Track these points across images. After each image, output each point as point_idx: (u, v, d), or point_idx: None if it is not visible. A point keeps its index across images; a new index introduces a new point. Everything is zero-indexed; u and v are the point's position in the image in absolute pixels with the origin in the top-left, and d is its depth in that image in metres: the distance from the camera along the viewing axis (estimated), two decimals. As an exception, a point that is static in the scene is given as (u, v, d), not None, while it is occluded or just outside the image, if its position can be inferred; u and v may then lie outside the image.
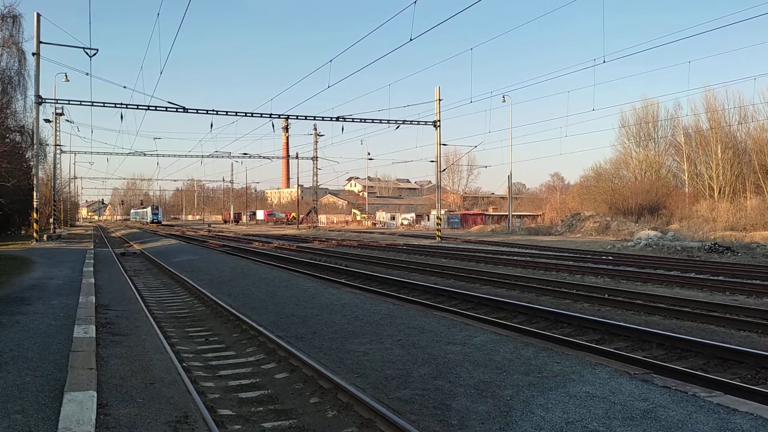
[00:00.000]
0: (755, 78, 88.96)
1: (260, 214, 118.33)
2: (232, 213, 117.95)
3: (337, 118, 39.10)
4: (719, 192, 53.05)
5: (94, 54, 31.17)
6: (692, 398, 5.32)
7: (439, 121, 40.21)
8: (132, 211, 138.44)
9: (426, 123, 40.86)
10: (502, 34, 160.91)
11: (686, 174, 58.80)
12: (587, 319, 10.13)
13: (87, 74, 33.76)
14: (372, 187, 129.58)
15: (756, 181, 50.05)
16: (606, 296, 13.10)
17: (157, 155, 57.28)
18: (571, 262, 21.85)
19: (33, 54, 31.35)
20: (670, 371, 6.93)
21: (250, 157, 61.95)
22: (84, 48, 31.31)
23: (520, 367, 6.73)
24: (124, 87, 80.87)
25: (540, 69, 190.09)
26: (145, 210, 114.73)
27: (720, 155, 53.71)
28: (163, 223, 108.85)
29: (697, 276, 17.31)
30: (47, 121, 47.20)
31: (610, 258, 24.27)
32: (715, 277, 16.91)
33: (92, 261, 21.52)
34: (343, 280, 16.31)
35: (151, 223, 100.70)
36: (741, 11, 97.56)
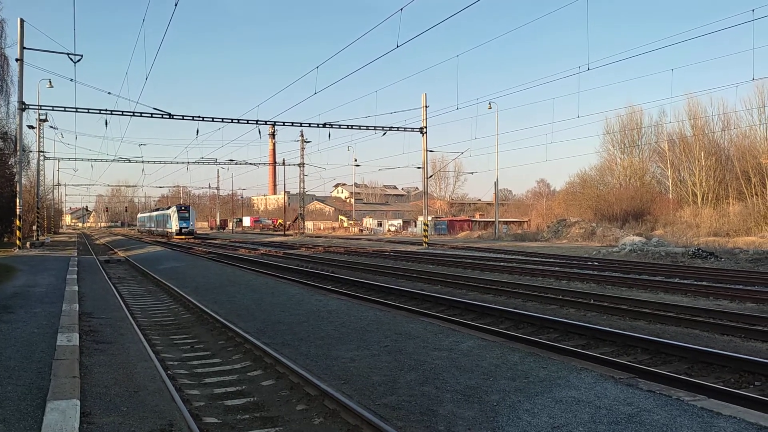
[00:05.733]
0: (737, 86, 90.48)
1: (247, 221, 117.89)
2: (218, 220, 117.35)
3: (324, 125, 39.13)
4: (702, 198, 53.69)
5: (79, 60, 31.08)
6: (676, 402, 5.36)
7: (426, 127, 40.32)
8: (139, 215, 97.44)
9: (413, 129, 40.97)
10: (487, 41, 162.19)
11: (670, 180, 59.46)
12: (573, 325, 10.19)
13: (71, 80, 33.54)
14: (359, 193, 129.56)
15: (738, 187, 50.69)
16: (591, 301, 13.18)
17: (143, 162, 56.14)
18: (557, 268, 21.96)
19: (16, 60, 31.09)
20: (655, 375, 6.98)
21: (236, 163, 61.66)
22: (68, 54, 31.18)
23: (506, 372, 6.74)
24: (109, 93, 79.10)
25: (525, 76, 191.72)
26: (165, 213, 66.92)
27: (703, 162, 54.39)
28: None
29: (681, 281, 17.49)
30: (31, 127, 46.85)
31: (596, 263, 24.43)
32: (699, 282, 17.08)
33: (76, 268, 21.29)
34: (329, 287, 16.26)
35: (178, 234, 59.00)
36: (723, 20, 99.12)
